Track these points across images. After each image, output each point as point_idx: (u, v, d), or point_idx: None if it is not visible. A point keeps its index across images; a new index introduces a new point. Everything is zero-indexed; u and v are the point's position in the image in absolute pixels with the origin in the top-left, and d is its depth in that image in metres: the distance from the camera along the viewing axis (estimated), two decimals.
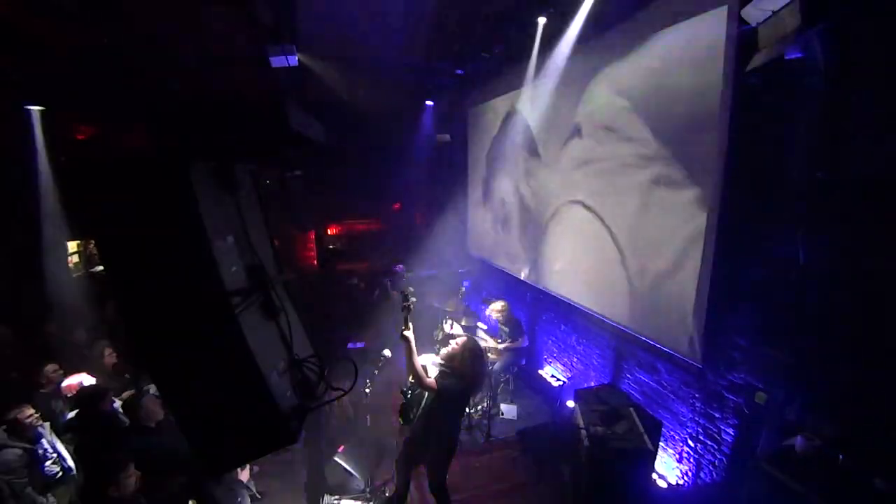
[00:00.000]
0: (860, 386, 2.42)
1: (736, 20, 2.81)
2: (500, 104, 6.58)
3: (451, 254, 8.67)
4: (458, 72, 6.61)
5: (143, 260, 1.16)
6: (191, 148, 1.20)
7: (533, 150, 5.80)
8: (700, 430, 3.52)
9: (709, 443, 3.45)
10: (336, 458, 4.01)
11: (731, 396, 3.23)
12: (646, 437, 3.18)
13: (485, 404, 5.01)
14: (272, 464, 4.29)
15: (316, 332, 1.82)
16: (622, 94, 4.02)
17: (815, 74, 2.43)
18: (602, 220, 4.44)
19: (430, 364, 3.72)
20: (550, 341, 5.92)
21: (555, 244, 5.41)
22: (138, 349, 1.19)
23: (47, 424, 3.27)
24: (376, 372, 5.10)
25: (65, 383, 3.68)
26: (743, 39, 2.78)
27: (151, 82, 5.30)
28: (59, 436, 3.37)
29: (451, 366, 3.31)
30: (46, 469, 3.13)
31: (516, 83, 5.96)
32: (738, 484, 3.07)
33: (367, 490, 4.01)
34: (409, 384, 3.47)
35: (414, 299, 3.31)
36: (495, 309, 5.36)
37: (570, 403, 4.05)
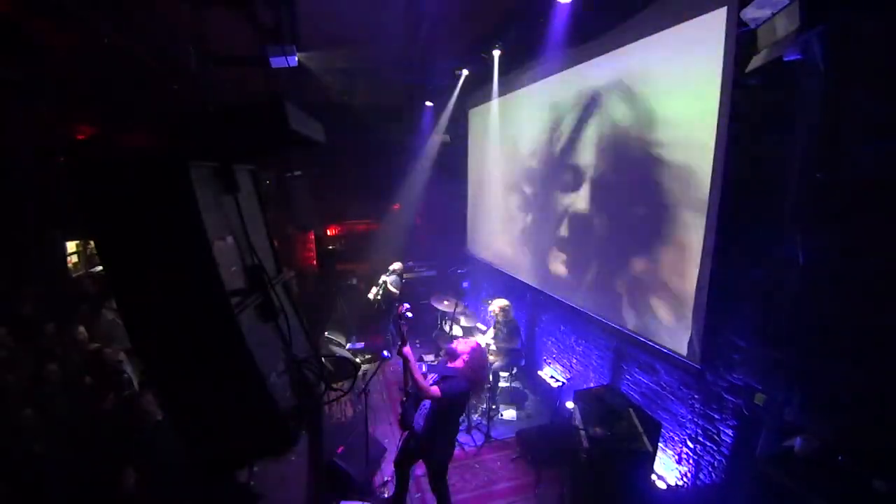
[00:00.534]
0: (859, 387, 2.42)
1: (735, 21, 2.82)
2: (500, 105, 6.59)
3: (451, 254, 8.67)
4: (458, 72, 6.62)
5: (142, 260, 1.16)
6: (191, 148, 1.20)
7: (532, 151, 5.81)
8: (699, 431, 3.52)
9: (708, 444, 3.45)
10: (335, 459, 4.01)
11: (730, 397, 3.23)
12: (645, 438, 3.18)
13: (484, 405, 5.01)
14: (271, 464, 4.28)
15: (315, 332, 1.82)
16: (622, 95, 4.03)
17: (815, 76, 2.43)
18: (602, 220, 4.45)
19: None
20: (550, 342, 5.91)
21: (554, 244, 5.41)
22: (137, 349, 1.19)
23: None
24: (376, 372, 5.09)
25: None
26: (742, 41, 2.79)
27: (151, 82, 5.31)
28: None
29: (452, 365, 3.33)
30: None
31: (516, 83, 5.97)
32: (738, 485, 3.07)
33: (367, 491, 4.01)
34: (407, 385, 3.48)
35: (410, 315, 3.35)
36: (498, 305, 5.36)
37: (570, 404, 4.04)
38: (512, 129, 6.29)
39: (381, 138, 8.61)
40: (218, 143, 1.27)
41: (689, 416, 3.61)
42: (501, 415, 5.27)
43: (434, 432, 3.26)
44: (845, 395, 2.48)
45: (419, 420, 3.31)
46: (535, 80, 5.50)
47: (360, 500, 3.91)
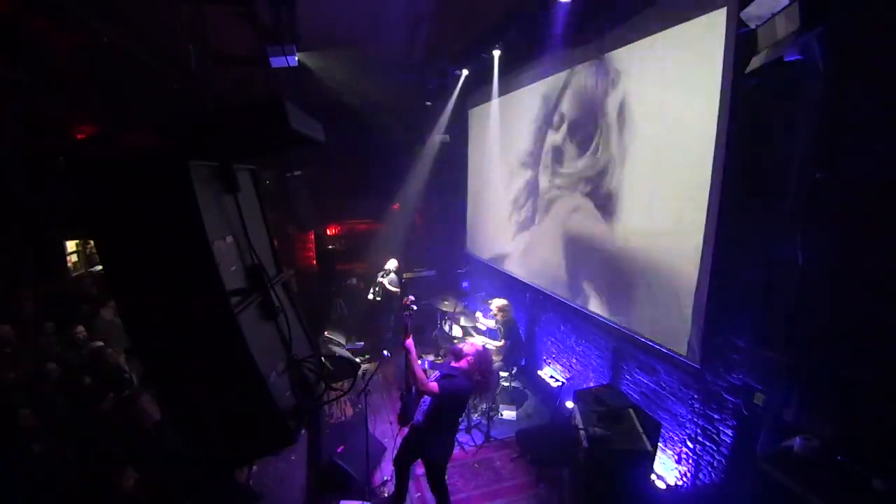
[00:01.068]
0: (859, 386, 2.42)
1: (735, 22, 2.82)
2: (500, 105, 6.59)
3: (451, 254, 8.67)
4: (458, 72, 6.62)
5: (142, 260, 1.16)
6: (191, 148, 1.20)
7: (532, 151, 5.81)
8: (699, 431, 3.52)
9: (707, 444, 3.45)
10: (335, 458, 4.01)
11: (729, 397, 3.24)
12: (644, 437, 3.18)
13: (484, 405, 5.01)
14: (271, 464, 4.29)
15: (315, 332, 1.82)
16: (622, 96, 4.03)
17: (814, 76, 2.44)
18: (601, 220, 4.45)
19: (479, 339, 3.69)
20: (550, 342, 5.92)
21: (554, 245, 5.41)
22: (137, 349, 1.19)
23: None
24: (376, 371, 5.09)
25: None
26: (742, 41, 2.79)
27: (151, 82, 5.31)
28: None
29: (456, 365, 3.35)
30: None
31: (516, 83, 5.97)
32: (737, 485, 3.07)
33: (367, 490, 4.01)
34: (406, 386, 3.48)
35: (415, 307, 3.37)
36: (497, 306, 5.37)
37: (570, 404, 4.04)
38: (512, 129, 6.29)
39: (382, 138, 8.61)
40: (218, 142, 1.27)
41: (689, 416, 3.61)
42: (501, 415, 5.27)
43: (432, 429, 3.27)
44: (845, 395, 2.48)
45: (419, 416, 3.33)
46: (535, 80, 5.50)
47: (360, 499, 3.91)
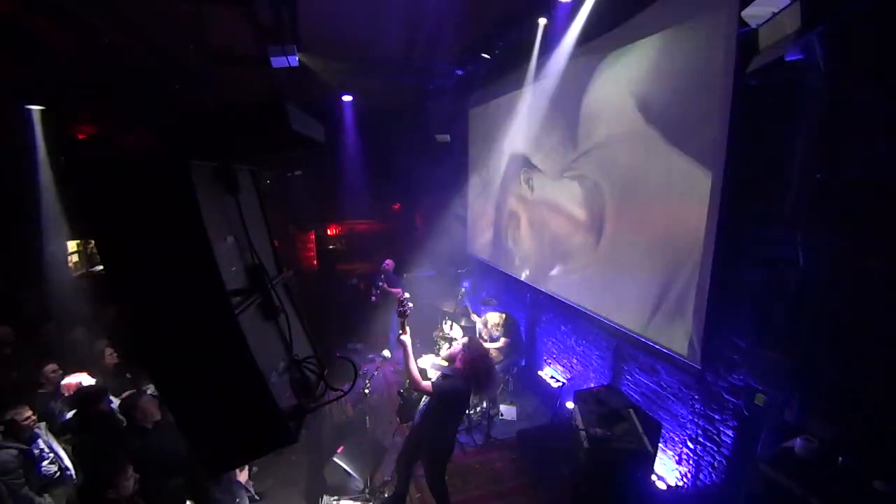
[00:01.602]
0: (860, 387, 2.42)
1: (736, 21, 2.81)
2: (500, 105, 6.59)
3: (451, 254, 8.67)
4: (458, 72, 6.62)
5: (142, 260, 1.16)
6: (191, 148, 1.20)
7: (533, 152, 5.81)
8: (699, 432, 3.52)
9: (708, 444, 3.45)
10: (335, 459, 4.00)
11: (730, 398, 3.23)
12: (645, 438, 3.18)
13: (484, 405, 5.01)
14: (271, 464, 4.29)
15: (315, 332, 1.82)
16: (622, 97, 4.02)
17: (816, 76, 2.43)
18: (601, 221, 4.45)
19: (429, 366, 3.71)
20: (550, 342, 5.91)
21: (554, 245, 5.41)
22: (137, 349, 1.19)
23: (43, 424, 3.27)
24: (376, 372, 5.09)
25: (64, 381, 3.68)
26: (743, 41, 2.78)
27: (152, 82, 5.30)
28: (56, 436, 3.36)
29: (452, 367, 3.33)
30: (43, 469, 3.13)
31: (516, 84, 5.96)
32: (738, 485, 3.06)
33: (367, 490, 4.01)
34: (406, 386, 3.48)
35: (411, 304, 3.35)
36: (492, 322, 5.36)
37: (570, 404, 4.04)
38: (512, 129, 6.28)
39: (383, 138, 8.61)
40: (218, 142, 1.27)
41: (690, 417, 3.60)
42: (501, 415, 5.27)
43: (430, 429, 3.27)
44: (845, 396, 2.48)
45: (418, 416, 3.33)
46: (534, 80, 5.50)
47: (360, 499, 3.91)
